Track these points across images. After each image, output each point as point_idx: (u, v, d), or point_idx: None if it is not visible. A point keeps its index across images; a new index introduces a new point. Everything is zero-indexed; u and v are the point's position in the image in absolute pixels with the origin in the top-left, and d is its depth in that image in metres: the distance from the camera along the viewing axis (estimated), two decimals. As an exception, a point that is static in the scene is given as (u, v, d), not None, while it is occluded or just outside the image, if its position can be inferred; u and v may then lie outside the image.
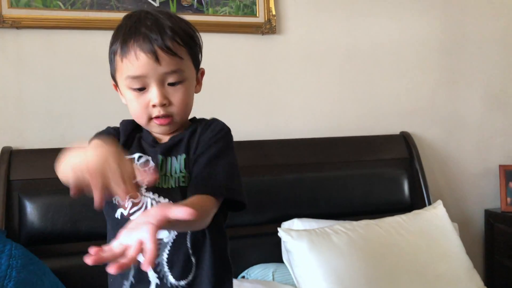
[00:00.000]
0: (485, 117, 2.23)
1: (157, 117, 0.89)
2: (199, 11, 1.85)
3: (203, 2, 1.85)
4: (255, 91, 1.92)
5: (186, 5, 1.84)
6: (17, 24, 1.64)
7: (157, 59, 0.83)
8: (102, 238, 1.58)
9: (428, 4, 2.14)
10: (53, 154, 1.70)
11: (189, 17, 0.99)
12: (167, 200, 0.87)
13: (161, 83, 0.87)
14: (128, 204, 0.86)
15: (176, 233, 0.87)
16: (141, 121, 0.91)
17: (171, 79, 0.87)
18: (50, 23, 1.69)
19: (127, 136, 0.94)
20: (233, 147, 0.94)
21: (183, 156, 0.90)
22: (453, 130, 2.19)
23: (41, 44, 1.69)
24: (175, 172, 0.89)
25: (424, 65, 2.15)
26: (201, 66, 0.97)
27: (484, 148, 2.23)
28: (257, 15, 1.90)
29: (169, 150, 0.91)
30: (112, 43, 0.90)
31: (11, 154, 1.59)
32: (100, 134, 0.96)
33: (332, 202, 1.87)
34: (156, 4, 1.79)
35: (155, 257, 0.61)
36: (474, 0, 2.20)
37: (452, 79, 2.19)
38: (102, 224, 1.58)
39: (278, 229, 1.60)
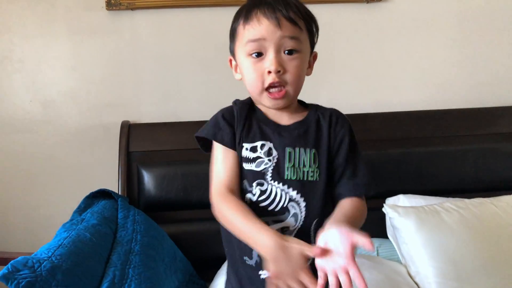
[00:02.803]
0: None
1: (270, 89, 0.90)
2: (301, -18, 1.81)
3: (305, -28, 1.81)
4: (359, 62, 1.86)
5: (288, -23, 1.81)
6: (132, 6, 1.75)
7: (278, 24, 0.87)
8: (210, 207, 1.70)
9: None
10: (166, 127, 1.83)
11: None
12: (295, 192, 0.90)
13: (278, 49, 0.89)
14: (256, 191, 0.91)
15: (301, 223, 0.91)
16: (255, 90, 0.92)
17: (288, 45, 0.89)
18: (160, 3, 1.77)
19: (244, 121, 0.95)
20: None
21: (313, 151, 0.92)
22: None
23: (153, 24, 1.78)
24: (304, 165, 0.91)
25: (552, 26, 1.92)
26: None
27: None
28: (362, -17, 1.82)
29: (296, 140, 0.93)
30: (235, 20, 0.94)
31: (130, 128, 1.73)
32: (219, 134, 0.95)
33: (440, 178, 1.78)
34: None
35: None
36: None
37: None
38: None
39: (384, 205, 1.56)
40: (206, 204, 1.70)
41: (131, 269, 1.15)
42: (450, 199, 1.61)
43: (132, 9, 1.76)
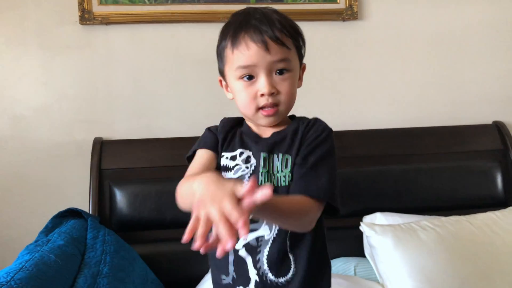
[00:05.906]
0: None
1: (263, 108, 0.90)
2: (278, 0, 1.82)
3: (282, -10, 1.82)
4: (335, 80, 1.87)
5: (265, -6, 1.82)
6: (106, 21, 1.72)
7: (267, 48, 0.86)
8: (186, 226, 1.66)
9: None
10: (140, 144, 1.79)
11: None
12: None
13: (269, 72, 0.89)
14: None
15: (277, 231, 0.88)
16: (248, 112, 0.92)
17: (279, 67, 0.89)
18: (135, 18, 1.75)
19: (226, 133, 0.96)
20: (335, 149, 0.93)
21: (286, 156, 0.91)
22: (553, 119, 1.99)
23: (128, 39, 1.76)
24: (277, 171, 0.90)
25: (519, 49, 1.97)
26: None
27: None
28: (338, 1, 1.84)
29: (272, 147, 0.92)
30: (221, 40, 0.93)
31: (102, 145, 1.68)
32: (203, 142, 0.98)
33: (417, 196, 1.78)
34: (235, -5, 1.79)
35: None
36: None
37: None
38: (186, 213, 1.65)
39: (361, 223, 1.55)
40: (180, 224, 1.65)
41: (99, 293, 1.09)
42: (427, 217, 1.61)
43: (106, 23, 1.73)
